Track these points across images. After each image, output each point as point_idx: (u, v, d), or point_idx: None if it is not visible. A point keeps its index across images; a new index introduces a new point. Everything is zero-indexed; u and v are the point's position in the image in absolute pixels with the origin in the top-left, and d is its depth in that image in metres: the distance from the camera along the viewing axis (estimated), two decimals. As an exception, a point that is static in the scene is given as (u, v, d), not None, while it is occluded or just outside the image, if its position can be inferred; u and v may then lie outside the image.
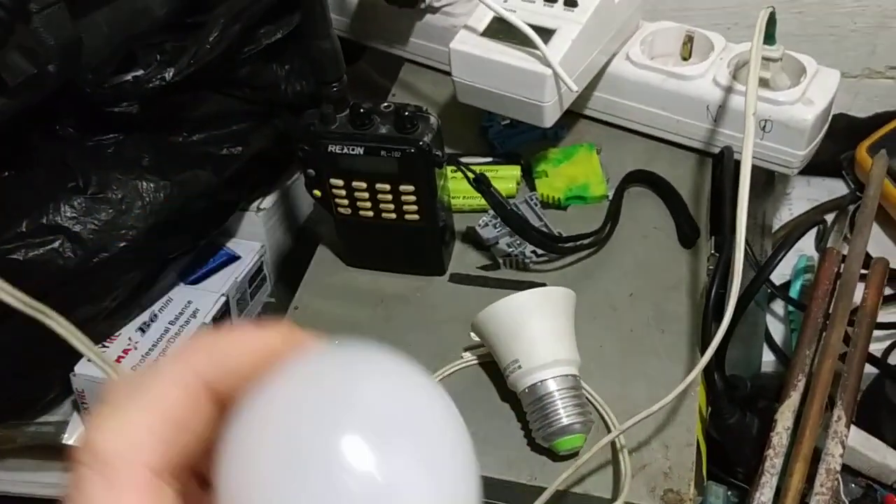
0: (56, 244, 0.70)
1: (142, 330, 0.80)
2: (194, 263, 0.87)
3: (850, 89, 0.97)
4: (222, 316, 0.84)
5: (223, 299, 0.84)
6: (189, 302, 0.83)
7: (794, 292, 0.85)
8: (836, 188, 0.96)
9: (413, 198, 0.68)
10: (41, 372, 0.76)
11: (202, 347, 0.26)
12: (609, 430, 0.62)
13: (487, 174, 0.71)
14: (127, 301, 0.78)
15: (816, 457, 0.67)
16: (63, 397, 0.80)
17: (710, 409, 0.69)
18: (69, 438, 0.80)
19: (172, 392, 0.25)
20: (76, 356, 0.76)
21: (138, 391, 0.25)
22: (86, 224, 0.72)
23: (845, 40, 0.94)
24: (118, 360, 0.77)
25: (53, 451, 0.82)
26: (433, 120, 0.66)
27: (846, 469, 0.72)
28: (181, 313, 0.82)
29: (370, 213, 0.70)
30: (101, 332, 0.78)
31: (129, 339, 0.79)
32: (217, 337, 0.27)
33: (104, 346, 0.78)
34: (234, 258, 0.89)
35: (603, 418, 0.64)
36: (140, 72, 0.72)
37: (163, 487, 0.24)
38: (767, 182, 0.94)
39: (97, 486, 0.24)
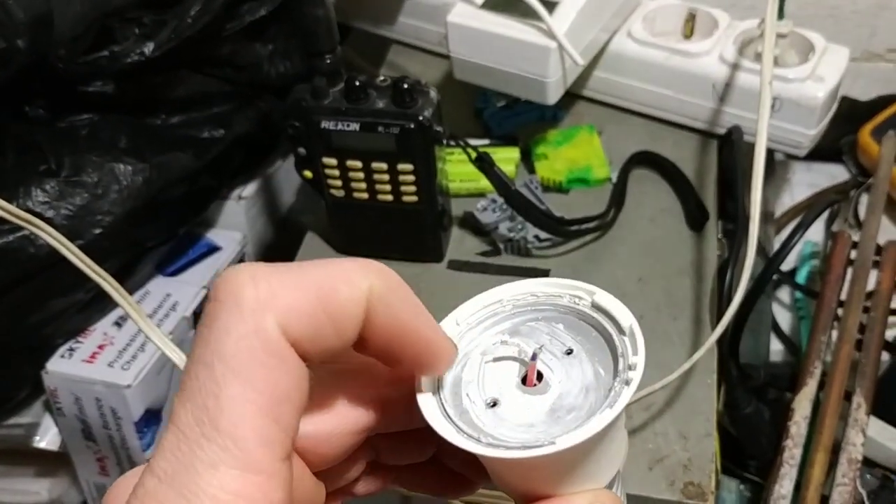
0: (27, 231, 0.65)
1: (118, 324, 0.75)
2: (172, 254, 0.82)
3: (849, 72, 0.94)
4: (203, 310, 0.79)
5: (204, 292, 0.79)
6: (168, 295, 0.78)
7: (800, 279, 0.82)
8: (836, 173, 0.93)
9: (412, 177, 0.64)
10: (9, 369, 0.71)
11: None
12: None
13: (486, 155, 0.67)
14: (102, 293, 0.73)
15: (834, 447, 0.64)
16: (34, 397, 0.75)
17: (724, 399, 0.66)
18: (41, 441, 0.75)
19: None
20: (47, 351, 0.72)
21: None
22: (59, 209, 0.67)
23: (845, 22, 0.92)
24: (93, 356, 0.72)
25: (24, 456, 0.77)
26: (433, 94, 0.62)
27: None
28: (160, 306, 0.77)
29: (365, 195, 0.66)
30: (74, 327, 0.73)
31: (105, 333, 0.74)
32: None
33: (78, 342, 0.73)
34: (214, 248, 0.84)
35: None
36: (117, 47, 0.68)
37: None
38: (768, 166, 0.91)
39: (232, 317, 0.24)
